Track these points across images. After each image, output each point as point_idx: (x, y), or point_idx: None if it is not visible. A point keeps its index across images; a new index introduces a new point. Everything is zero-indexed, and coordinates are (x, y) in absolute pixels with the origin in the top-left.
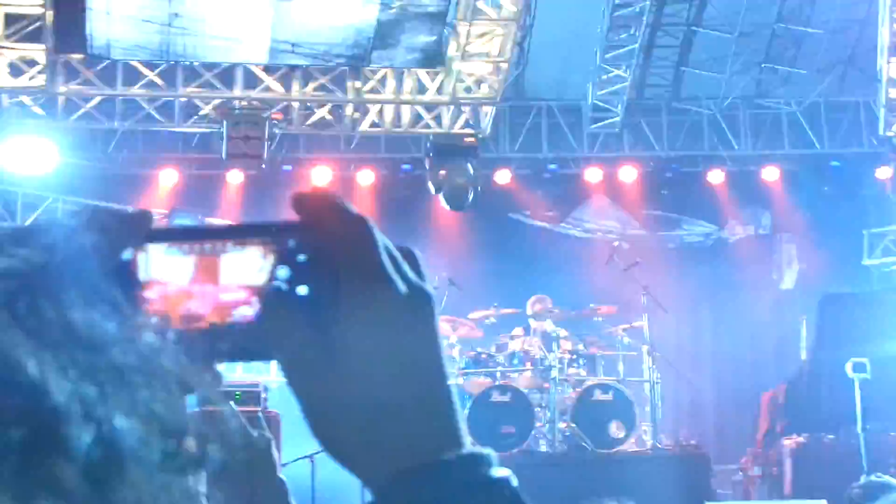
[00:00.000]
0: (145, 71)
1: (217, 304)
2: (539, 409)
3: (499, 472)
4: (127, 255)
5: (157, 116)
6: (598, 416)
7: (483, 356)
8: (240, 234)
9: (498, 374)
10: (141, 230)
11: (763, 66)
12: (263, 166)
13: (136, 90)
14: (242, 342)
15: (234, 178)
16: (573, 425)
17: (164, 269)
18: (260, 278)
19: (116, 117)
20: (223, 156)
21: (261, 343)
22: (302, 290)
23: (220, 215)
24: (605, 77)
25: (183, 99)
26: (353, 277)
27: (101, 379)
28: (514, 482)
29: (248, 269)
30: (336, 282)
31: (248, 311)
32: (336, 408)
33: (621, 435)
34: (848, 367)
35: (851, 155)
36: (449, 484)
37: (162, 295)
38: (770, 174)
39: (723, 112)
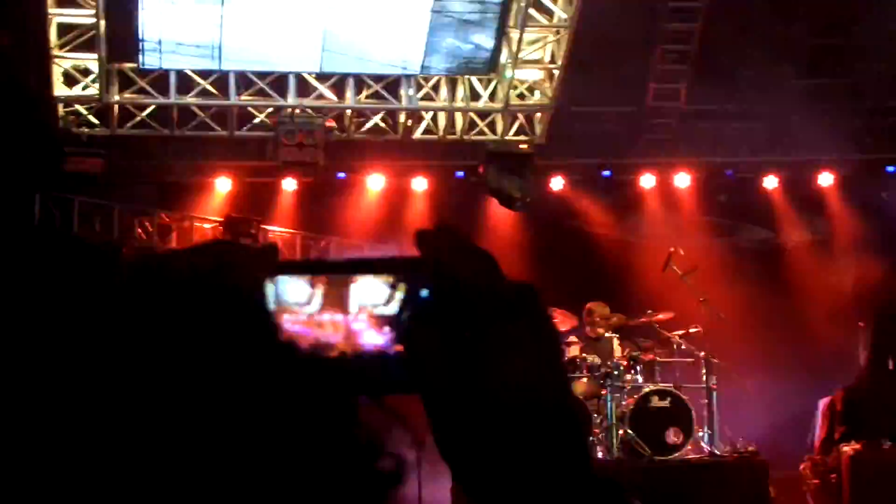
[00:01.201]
0: (198, 79)
1: (347, 333)
2: (596, 416)
3: (632, 500)
4: (257, 285)
5: (211, 124)
6: (656, 422)
7: None
8: (364, 268)
9: None
10: (269, 263)
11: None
12: (318, 174)
13: (189, 98)
14: (374, 374)
15: (289, 185)
16: (630, 432)
17: (293, 298)
18: (387, 310)
19: (171, 125)
20: (278, 163)
21: (393, 376)
22: (429, 325)
23: (275, 223)
24: (657, 84)
25: (237, 107)
26: (479, 311)
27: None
28: None
29: (375, 299)
30: (462, 316)
31: (377, 340)
32: (471, 438)
33: (679, 442)
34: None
35: None
36: None
37: (293, 323)
38: (825, 179)
39: (775, 117)
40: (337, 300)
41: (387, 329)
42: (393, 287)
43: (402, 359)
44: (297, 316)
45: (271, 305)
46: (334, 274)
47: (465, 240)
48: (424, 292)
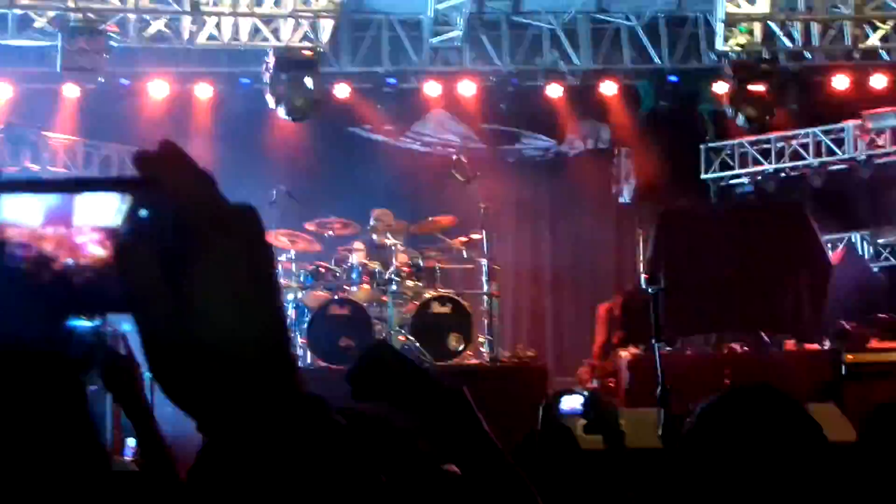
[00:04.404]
0: None
1: (70, 247)
2: (378, 322)
3: (335, 416)
4: None
5: None
6: (437, 328)
7: (321, 270)
8: (86, 187)
9: (336, 288)
10: None
11: None
12: (100, 80)
13: None
14: (95, 290)
15: (71, 91)
16: (411, 338)
17: (14, 213)
18: (111, 225)
19: None
20: (58, 69)
21: (112, 293)
22: (144, 244)
23: (56, 130)
24: None
25: (17, 11)
26: (195, 231)
27: None
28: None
29: (100, 214)
30: (178, 236)
31: (101, 252)
32: (180, 354)
33: (459, 347)
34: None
35: (689, 70)
36: (286, 427)
37: (14, 238)
38: (609, 88)
39: (562, 26)
40: (61, 214)
41: (109, 244)
42: (117, 204)
43: (119, 276)
44: (19, 230)
45: None
46: (57, 192)
47: (185, 159)
48: (144, 212)
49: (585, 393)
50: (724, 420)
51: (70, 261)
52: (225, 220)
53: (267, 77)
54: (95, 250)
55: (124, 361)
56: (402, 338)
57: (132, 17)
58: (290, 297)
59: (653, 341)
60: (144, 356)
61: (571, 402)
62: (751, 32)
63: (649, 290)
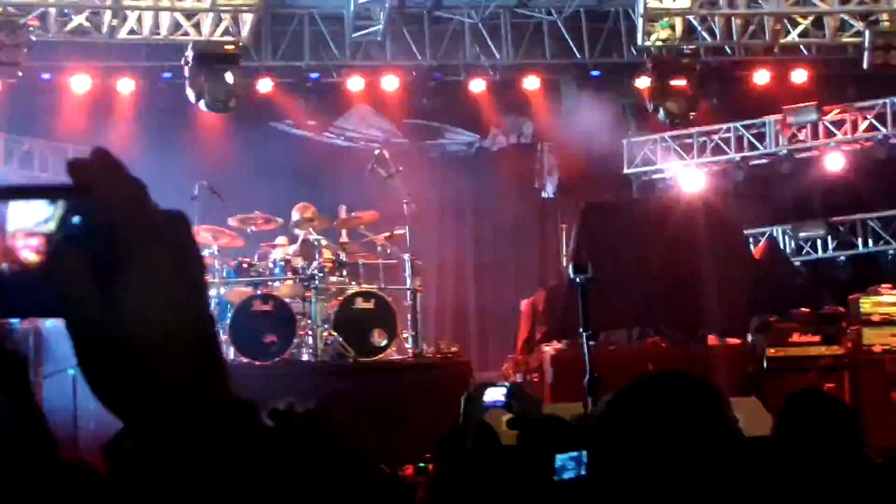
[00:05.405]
0: None
1: (4, 251)
2: (301, 317)
3: (263, 420)
4: None
5: None
6: (360, 324)
7: (244, 265)
8: (20, 194)
9: (260, 284)
10: None
11: None
12: (20, 74)
13: None
14: (28, 294)
15: None
16: (335, 334)
17: None
18: (44, 231)
19: None
20: None
21: (44, 297)
22: (77, 250)
23: None
24: None
25: None
26: (126, 238)
27: None
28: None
29: (33, 219)
30: (109, 242)
31: (34, 257)
32: (110, 359)
33: (383, 343)
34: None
35: (611, 64)
36: (212, 431)
37: None
38: (531, 83)
39: (484, 21)
40: None
41: (42, 250)
42: (50, 210)
43: (52, 280)
44: None
45: None
46: None
47: (117, 167)
48: (76, 218)
49: (508, 385)
50: (636, 406)
51: (3, 265)
52: (155, 226)
53: (188, 71)
54: (29, 255)
55: (10, 354)
56: (325, 333)
57: (53, 10)
58: (213, 292)
59: (580, 330)
60: (76, 359)
61: (494, 395)
62: (672, 27)
63: (576, 279)
